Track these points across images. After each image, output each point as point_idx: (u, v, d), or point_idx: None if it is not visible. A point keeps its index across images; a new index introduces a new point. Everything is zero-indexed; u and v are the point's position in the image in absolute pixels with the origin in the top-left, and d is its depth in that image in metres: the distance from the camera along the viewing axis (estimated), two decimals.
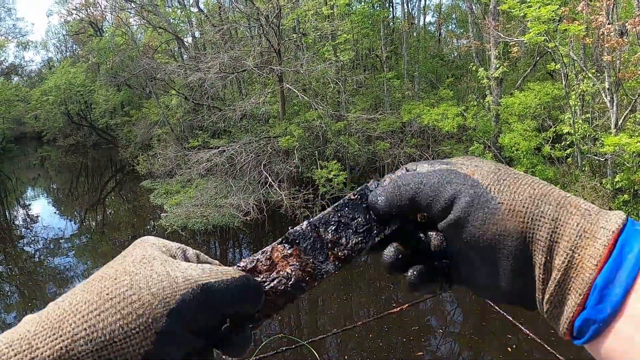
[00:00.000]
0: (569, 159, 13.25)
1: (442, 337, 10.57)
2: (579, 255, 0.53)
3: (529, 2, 11.96)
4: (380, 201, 0.67)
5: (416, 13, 24.33)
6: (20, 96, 40.46)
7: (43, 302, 13.09)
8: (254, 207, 16.19)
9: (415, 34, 22.83)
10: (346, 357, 9.46)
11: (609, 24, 11.38)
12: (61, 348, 0.47)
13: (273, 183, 16.37)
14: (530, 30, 12.23)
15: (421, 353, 9.71)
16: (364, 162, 18.48)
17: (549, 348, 4.32)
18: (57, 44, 53.12)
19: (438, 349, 10.21)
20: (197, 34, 26.60)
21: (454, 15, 30.77)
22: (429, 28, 29.03)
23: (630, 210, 11.39)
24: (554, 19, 11.74)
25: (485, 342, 10.30)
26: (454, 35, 28.82)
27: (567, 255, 0.54)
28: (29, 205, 27.36)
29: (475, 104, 15.66)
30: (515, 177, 0.60)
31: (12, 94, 38.64)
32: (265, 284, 0.63)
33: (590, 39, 12.31)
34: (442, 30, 30.21)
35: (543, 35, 12.09)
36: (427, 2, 26.70)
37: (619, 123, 11.93)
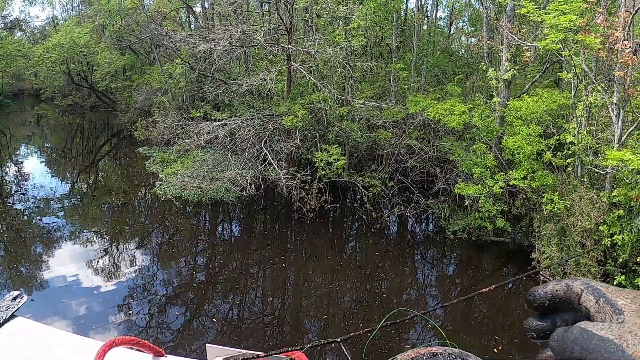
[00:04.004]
0: (569, 168, 13.25)
1: (424, 331, 10.62)
2: None
3: (548, 10, 11.90)
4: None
5: (429, 6, 24.19)
6: (22, 52, 39.87)
7: (29, 261, 13.04)
8: (251, 183, 16.15)
9: (426, 27, 22.69)
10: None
11: (624, 40, 11.33)
12: None
13: (272, 161, 16.30)
14: (546, 37, 12.17)
15: (407, 347, 9.76)
16: (364, 149, 18.46)
17: None
18: (63, 2, 52.39)
19: (419, 342, 10.25)
20: (207, 4, 26.31)
21: (466, 14, 30.64)
22: (439, 23, 28.89)
23: (623, 225, 11.44)
24: (571, 28, 11.68)
25: (468, 340, 10.37)
26: (465, 32, 28.71)
27: None
28: (21, 162, 27.19)
29: (482, 103, 15.61)
30: None
31: (14, 48, 38.09)
32: None
33: (604, 53, 12.25)
34: (452, 27, 30.10)
35: (558, 44, 12.03)
36: None
37: (623, 138, 11.93)
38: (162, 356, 1.48)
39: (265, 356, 1.89)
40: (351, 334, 3.64)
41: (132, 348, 1.39)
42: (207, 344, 1.68)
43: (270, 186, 17.12)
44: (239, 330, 10.40)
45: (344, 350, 3.24)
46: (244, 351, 1.96)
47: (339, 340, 3.24)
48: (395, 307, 11.12)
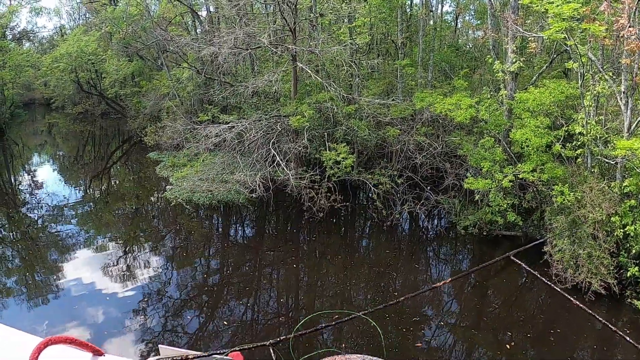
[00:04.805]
0: (579, 159, 13.15)
1: (439, 328, 10.60)
2: None
3: None
4: None
5: (434, 0, 24.09)
6: (30, 62, 40.27)
7: (44, 268, 13.17)
8: (260, 184, 16.19)
9: (432, 22, 22.59)
10: (343, 345, 9.50)
11: (630, 27, 11.20)
12: None
13: (281, 162, 16.34)
14: (550, 27, 12.07)
15: (420, 344, 9.75)
16: (372, 147, 18.44)
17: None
18: (70, 11, 52.85)
19: (434, 339, 10.23)
20: (211, 8, 26.42)
21: (472, 7, 30.44)
22: (445, 17, 28.75)
23: (636, 215, 11.32)
24: (575, 17, 11.58)
25: (482, 336, 10.33)
26: (471, 26, 28.55)
27: None
28: (34, 171, 27.46)
29: (489, 96, 15.52)
30: None
31: (22, 59, 38.45)
32: None
33: (610, 41, 12.13)
34: (458, 21, 29.94)
35: (563, 33, 11.93)
36: None
37: (632, 127, 11.81)
38: (100, 355, 1.52)
39: (207, 356, 2.01)
40: (281, 338, 3.70)
41: (70, 346, 1.42)
42: (159, 345, 1.73)
43: (279, 187, 17.17)
44: (254, 332, 10.45)
45: (272, 355, 3.29)
46: (189, 351, 2.05)
47: (267, 344, 3.31)
48: (408, 304, 11.12)
